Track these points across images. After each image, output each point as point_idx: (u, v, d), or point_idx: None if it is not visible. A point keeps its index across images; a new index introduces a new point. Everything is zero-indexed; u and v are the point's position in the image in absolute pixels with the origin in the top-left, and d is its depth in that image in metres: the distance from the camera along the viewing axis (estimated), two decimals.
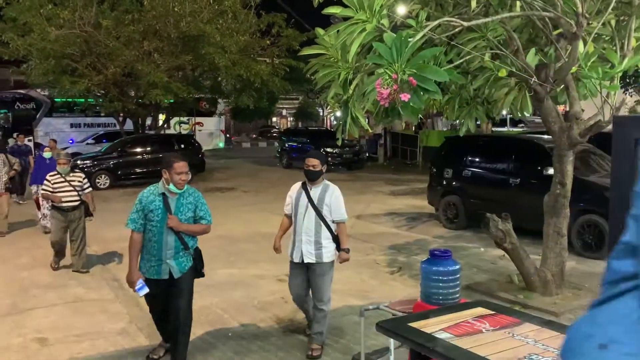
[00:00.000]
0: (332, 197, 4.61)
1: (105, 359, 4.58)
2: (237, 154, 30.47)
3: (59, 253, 7.24)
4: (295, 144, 22.24)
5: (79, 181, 7.23)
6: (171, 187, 4.22)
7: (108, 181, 15.95)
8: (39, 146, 16.47)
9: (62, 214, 7.08)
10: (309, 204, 4.58)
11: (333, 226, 4.59)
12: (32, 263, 7.63)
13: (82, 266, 7.12)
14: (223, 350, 4.72)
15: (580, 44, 4.66)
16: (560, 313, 5.36)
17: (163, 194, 4.25)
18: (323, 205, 4.56)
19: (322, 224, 4.54)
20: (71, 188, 7.11)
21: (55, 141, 13.91)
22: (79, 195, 7.17)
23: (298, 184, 4.76)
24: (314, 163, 4.58)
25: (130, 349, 4.76)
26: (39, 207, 7.67)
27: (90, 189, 7.46)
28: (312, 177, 4.59)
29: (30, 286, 6.64)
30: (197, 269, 4.41)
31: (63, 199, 7.01)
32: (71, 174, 7.25)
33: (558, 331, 2.35)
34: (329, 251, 4.55)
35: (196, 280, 4.45)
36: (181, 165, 4.27)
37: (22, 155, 13.35)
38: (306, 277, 4.61)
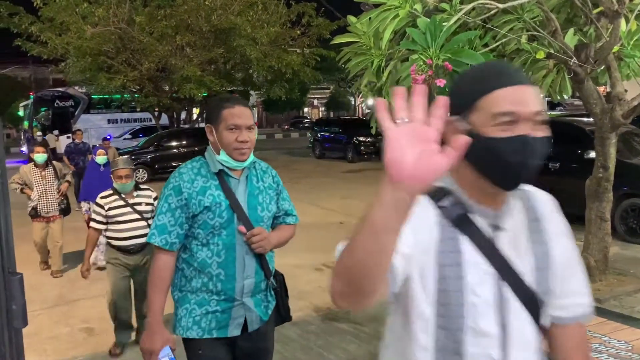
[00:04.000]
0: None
1: None
2: (269, 145, 30.68)
3: (122, 324, 4.47)
4: (327, 134, 22.21)
5: (148, 203, 4.44)
6: (223, 157, 2.17)
7: (146, 175, 16.31)
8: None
9: (123, 256, 4.37)
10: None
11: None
12: (79, 256, 7.87)
13: None
14: None
15: (623, 22, 4.51)
16: (604, 300, 5.24)
17: (219, 172, 2.19)
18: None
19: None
20: (137, 216, 4.38)
21: (108, 140, 11.56)
22: (149, 226, 4.21)
23: None
24: None
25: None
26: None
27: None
28: None
29: (76, 278, 6.83)
30: (284, 308, 2.54)
31: (125, 235, 4.36)
32: (135, 194, 4.45)
33: (604, 317, 2.31)
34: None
35: None
36: (237, 113, 2.14)
37: (81, 155, 11.63)
38: None
